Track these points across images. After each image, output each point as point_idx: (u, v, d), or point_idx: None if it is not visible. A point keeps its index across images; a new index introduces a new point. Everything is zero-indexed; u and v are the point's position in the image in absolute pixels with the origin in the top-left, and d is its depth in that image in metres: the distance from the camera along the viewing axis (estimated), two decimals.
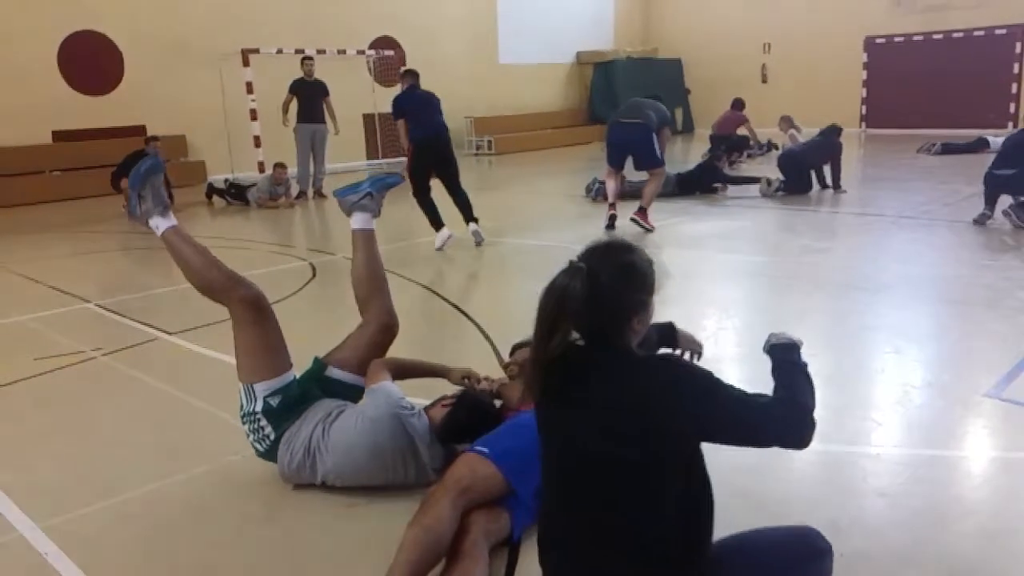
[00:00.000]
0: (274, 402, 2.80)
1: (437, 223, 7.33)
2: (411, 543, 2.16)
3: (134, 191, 2.94)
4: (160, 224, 2.90)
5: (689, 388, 1.67)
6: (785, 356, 1.93)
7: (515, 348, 3.30)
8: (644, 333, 1.81)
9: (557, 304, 1.69)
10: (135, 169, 2.94)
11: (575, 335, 1.74)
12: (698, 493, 1.72)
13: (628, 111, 7.72)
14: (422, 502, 2.33)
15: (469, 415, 2.80)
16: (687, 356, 2.55)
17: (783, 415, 1.73)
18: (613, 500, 1.69)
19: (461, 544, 2.23)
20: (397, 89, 15.57)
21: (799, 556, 1.81)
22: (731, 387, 1.69)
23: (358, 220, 3.34)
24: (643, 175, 8.06)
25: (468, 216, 7.37)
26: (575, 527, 1.76)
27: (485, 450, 2.47)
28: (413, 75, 7.69)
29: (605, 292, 1.69)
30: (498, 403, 3.02)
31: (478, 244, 7.31)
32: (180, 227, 2.93)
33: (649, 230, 7.52)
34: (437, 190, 7.51)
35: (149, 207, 2.90)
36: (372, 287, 3.27)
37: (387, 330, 3.21)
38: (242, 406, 2.84)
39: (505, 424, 2.72)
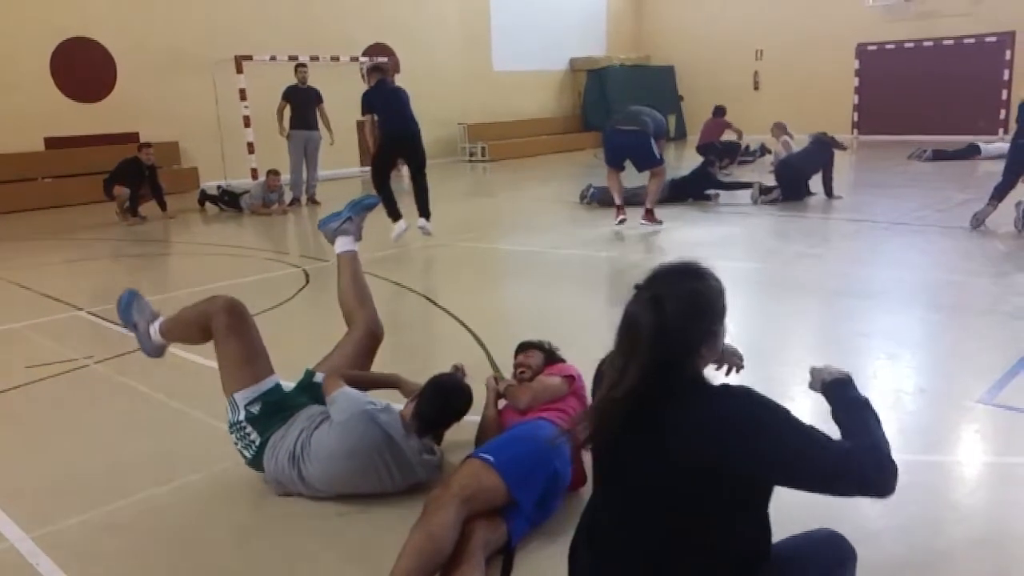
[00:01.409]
0: (255, 409, 2.84)
1: (395, 214, 7.58)
2: (414, 549, 2.16)
3: (129, 326, 3.17)
4: (155, 328, 3.11)
5: (765, 428, 1.56)
6: (846, 394, 1.82)
7: (520, 348, 3.27)
8: (713, 360, 1.71)
9: (629, 339, 1.61)
10: (118, 308, 3.19)
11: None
12: (757, 537, 1.65)
13: (625, 118, 7.84)
14: (425, 505, 2.33)
15: (438, 400, 2.84)
16: (727, 370, 2.45)
17: (866, 461, 1.61)
18: (668, 536, 1.61)
19: (460, 553, 2.23)
20: None
21: (829, 563, 1.77)
22: (809, 428, 1.58)
23: (341, 244, 3.48)
24: (641, 180, 8.23)
25: (422, 210, 7.62)
26: (627, 557, 1.68)
27: (490, 458, 2.45)
28: (381, 70, 7.91)
29: (671, 323, 1.59)
30: (502, 403, 3.02)
31: (425, 235, 7.62)
32: (165, 317, 3.13)
33: (659, 224, 7.75)
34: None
35: (144, 324, 3.12)
36: (357, 301, 3.37)
37: (372, 335, 3.29)
38: (228, 419, 2.89)
39: (511, 431, 2.71)
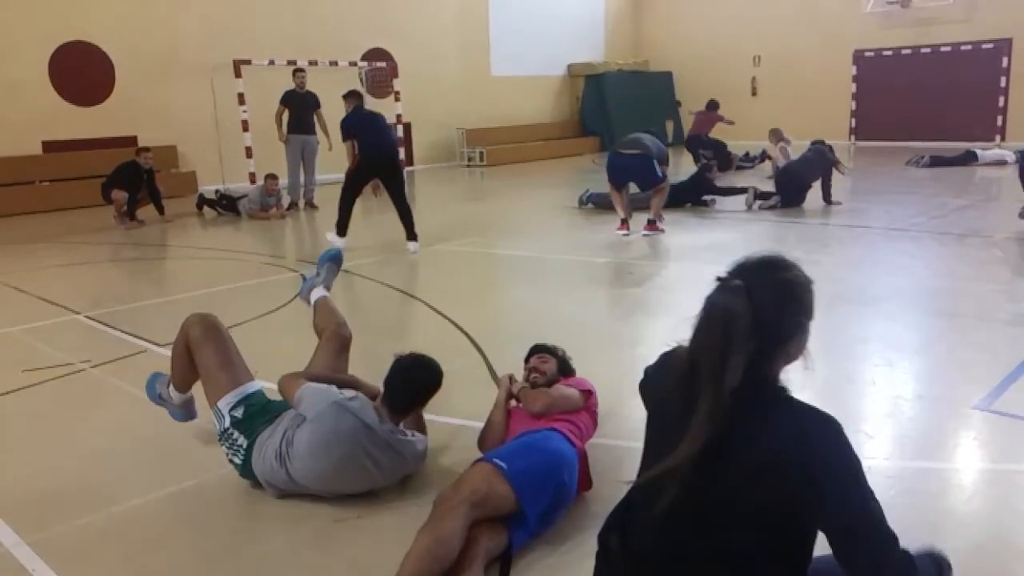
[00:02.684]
0: (239, 413, 2.89)
1: (342, 229, 7.77)
2: (422, 553, 2.16)
3: (158, 401, 3.38)
4: (171, 387, 3.28)
5: (840, 469, 1.49)
6: (932, 556, 1.75)
7: (535, 350, 3.24)
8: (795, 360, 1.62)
9: (724, 330, 1.51)
10: (148, 395, 3.40)
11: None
12: (798, 562, 1.59)
13: (628, 143, 8.17)
14: (435, 505, 2.34)
15: (399, 378, 2.88)
16: None
17: (899, 562, 1.52)
18: (708, 546, 1.57)
19: (461, 559, 2.23)
20: (390, 101, 15.73)
21: None
22: (874, 495, 1.52)
23: (314, 295, 3.66)
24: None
25: (409, 233, 7.74)
26: (661, 559, 1.64)
27: (503, 465, 2.44)
28: (357, 96, 8.10)
29: (765, 312, 1.52)
30: (513, 403, 3.02)
31: (413, 254, 7.70)
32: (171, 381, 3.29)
33: (660, 231, 8.02)
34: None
35: (165, 391, 3.33)
36: (327, 319, 3.54)
37: (339, 336, 3.41)
38: (216, 430, 2.95)
39: (523, 439, 2.69)
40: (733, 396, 1.50)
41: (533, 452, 2.56)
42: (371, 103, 15.00)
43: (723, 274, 1.60)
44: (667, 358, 1.79)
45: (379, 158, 7.63)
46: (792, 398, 1.59)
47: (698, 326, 1.57)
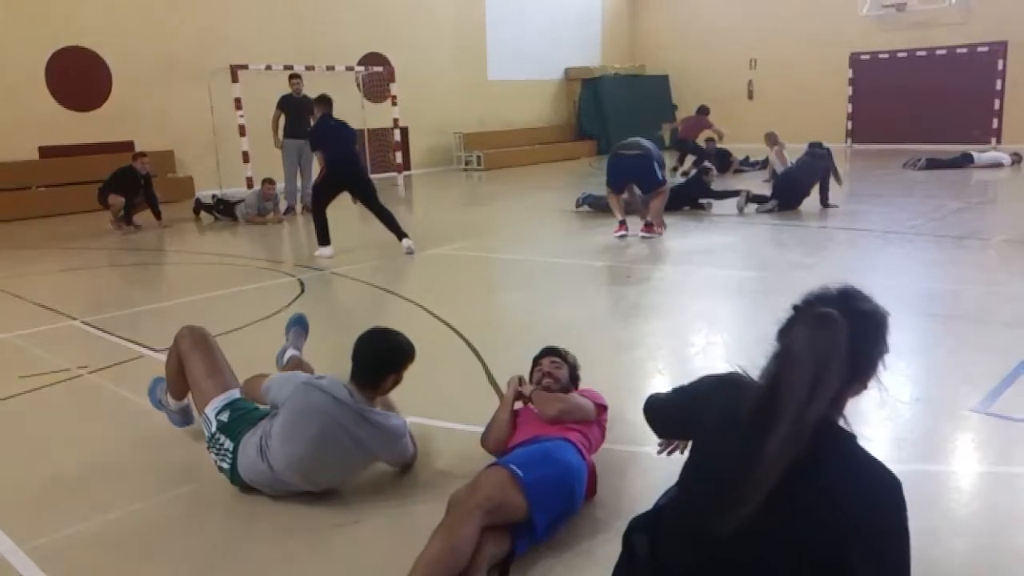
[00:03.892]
0: (224, 417, 2.94)
1: (324, 241, 7.78)
2: (434, 559, 2.16)
3: (157, 406, 3.53)
4: (168, 396, 3.41)
5: (890, 530, 1.49)
6: None
7: (545, 352, 3.20)
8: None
9: (817, 362, 1.48)
10: (151, 400, 3.55)
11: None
12: None
13: (628, 145, 8.30)
14: (449, 506, 2.33)
15: (358, 352, 2.89)
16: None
17: None
18: (739, 568, 1.55)
19: (466, 566, 2.23)
20: (387, 105, 15.72)
21: None
22: (909, 558, 1.51)
23: (286, 357, 3.79)
24: None
25: (398, 234, 7.76)
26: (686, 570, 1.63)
27: (520, 473, 2.43)
28: (326, 103, 8.03)
29: (855, 341, 1.51)
30: (519, 405, 3.01)
31: (409, 254, 7.64)
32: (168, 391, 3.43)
33: (658, 234, 8.09)
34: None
35: (164, 398, 3.45)
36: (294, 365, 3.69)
37: (299, 366, 3.56)
38: (205, 437, 3.00)
39: (540, 446, 2.66)
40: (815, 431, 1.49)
41: (550, 463, 2.54)
42: (368, 108, 15.19)
43: (799, 303, 1.58)
44: (723, 383, 1.76)
45: (341, 169, 7.65)
46: (858, 444, 1.58)
47: (785, 358, 1.54)
